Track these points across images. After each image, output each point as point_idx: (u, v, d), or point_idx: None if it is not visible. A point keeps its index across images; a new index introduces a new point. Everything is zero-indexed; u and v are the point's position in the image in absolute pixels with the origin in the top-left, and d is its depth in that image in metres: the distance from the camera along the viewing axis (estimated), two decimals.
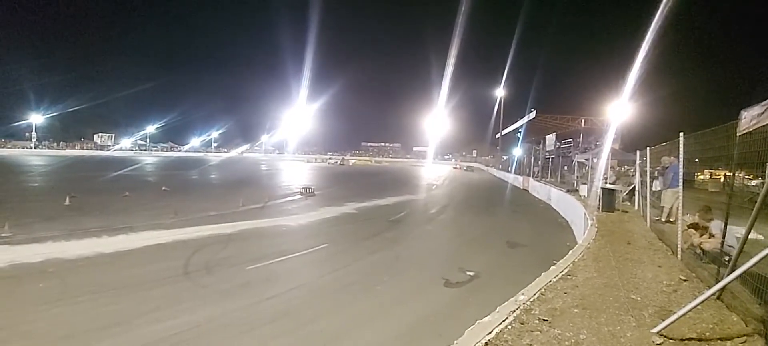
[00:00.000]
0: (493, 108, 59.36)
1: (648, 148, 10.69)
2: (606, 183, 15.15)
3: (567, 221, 15.48)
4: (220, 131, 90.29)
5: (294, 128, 74.33)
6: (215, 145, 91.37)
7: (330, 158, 79.38)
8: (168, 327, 5.47)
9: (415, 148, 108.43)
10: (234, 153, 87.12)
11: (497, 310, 4.14)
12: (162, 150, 79.67)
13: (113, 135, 79.86)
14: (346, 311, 6.47)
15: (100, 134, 79.14)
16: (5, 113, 58.05)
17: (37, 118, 60.83)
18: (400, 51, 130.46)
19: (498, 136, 58.38)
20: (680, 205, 6.86)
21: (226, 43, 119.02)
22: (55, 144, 64.49)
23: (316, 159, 79.11)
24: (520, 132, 43.21)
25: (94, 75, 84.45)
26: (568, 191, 18.70)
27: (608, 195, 12.60)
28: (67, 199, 14.95)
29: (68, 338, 5.12)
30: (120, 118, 77.59)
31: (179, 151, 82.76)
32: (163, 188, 21.78)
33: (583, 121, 32.98)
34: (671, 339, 3.57)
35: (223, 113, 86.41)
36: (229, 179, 31.25)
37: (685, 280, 5.43)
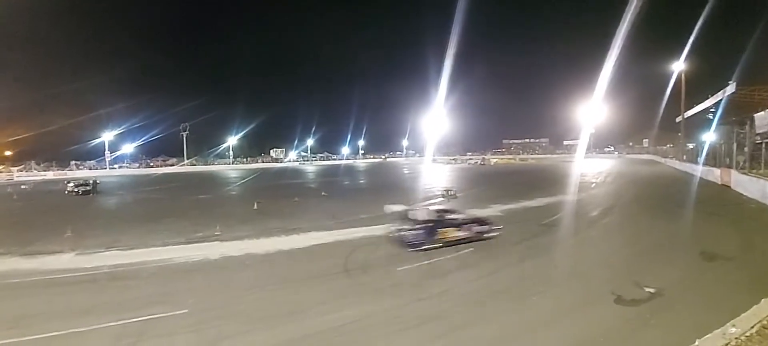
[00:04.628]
0: (668, 86, 47.50)
1: None
2: None
3: None
4: (366, 139, 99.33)
5: (433, 130, 75.31)
6: (362, 152, 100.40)
7: (470, 159, 77.72)
8: (334, 319, 6.17)
9: (565, 142, 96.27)
10: (378, 158, 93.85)
11: (696, 343, 3.29)
12: (319, 159, 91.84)
13: (284, 149, 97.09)
14: (498, 320, 6.16)
15: (275, 149, 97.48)
16: (215, 139, 79.11)
17: (232, 141, 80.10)
18: (544, 34, 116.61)
19: (679, 120, 46.80)
20: None
21: (375, 54, 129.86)
22: (244, 159, 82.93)
23: (455, 160, 78.43)
24: (712, 113, 34.03)
25: (268, 104, 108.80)
26: None
27: None
28: (255, 204, 18.47)
29: (265, 319, 6.29)
30: (288, 134, 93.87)
31: (332, 159, 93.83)
32: (322, 193, 25.03)
33: None
34: None
35: (368, 121, 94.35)
36: (376, 184, 33.71)
37: None
